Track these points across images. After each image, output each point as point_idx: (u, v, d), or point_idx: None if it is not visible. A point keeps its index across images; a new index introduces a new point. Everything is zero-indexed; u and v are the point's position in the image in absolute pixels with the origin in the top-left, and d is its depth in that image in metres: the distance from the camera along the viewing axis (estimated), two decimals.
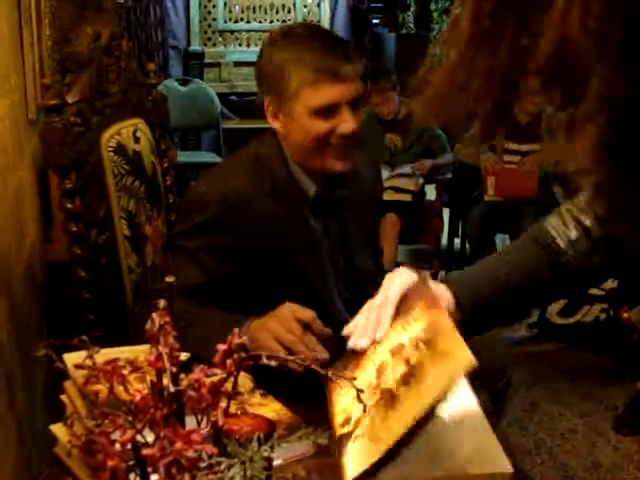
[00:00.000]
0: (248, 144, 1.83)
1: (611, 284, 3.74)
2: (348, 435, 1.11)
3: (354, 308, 1.62)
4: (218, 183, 1.71)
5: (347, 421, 1.14)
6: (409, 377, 1.11)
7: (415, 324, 1.20)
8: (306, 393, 1.48)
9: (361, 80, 1.68)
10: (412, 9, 6.72)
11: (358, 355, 1.27)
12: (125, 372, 0.90)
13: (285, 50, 1.65)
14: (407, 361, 1.14)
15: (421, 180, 4.52)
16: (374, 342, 1.27)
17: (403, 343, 1.19)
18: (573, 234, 1.27)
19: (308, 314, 1.49)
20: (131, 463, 0.88)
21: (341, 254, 1.78)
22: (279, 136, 1.72)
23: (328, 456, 1.26)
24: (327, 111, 1.62)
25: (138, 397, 0.88)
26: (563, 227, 1.29)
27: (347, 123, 1.63)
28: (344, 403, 1.18)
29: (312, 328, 1.48)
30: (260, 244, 1.67)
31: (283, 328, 1.47)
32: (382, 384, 1.15)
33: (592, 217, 1.25)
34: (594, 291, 3.77)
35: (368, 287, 1.75)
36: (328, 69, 1.61)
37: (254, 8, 6.59)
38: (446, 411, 1.10)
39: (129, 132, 2.04)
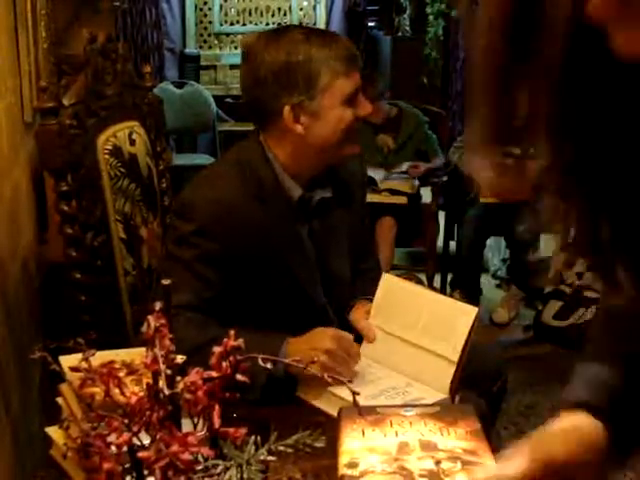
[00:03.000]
0: (230, 150, 1.82)
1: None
2: (353, 478, 1.12)
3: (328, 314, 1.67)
4: (204, 190, 1.69)
5: (353, 465, 1.14)
6: (434, 477, 1.11)
7: (453, 438, 1.19)
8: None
9: None
10: (408, 12, 6.73)
11: (378, 412, 1.26)
12: (121, 374, 0.90)
13: (304, 48, 1.63)
14: (438, 462, 1.14)
15: (417, 182, 4.52)
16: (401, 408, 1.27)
17: (435, 443, 1.18)
18: None
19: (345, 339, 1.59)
20: (127, 466, 0.88)
21: (321, 258, 1.77)
22: (294, 141, 1.67)
23: (324, 458, 1.26)
24: (353, 97, 1.67)
25: (134, 400, 0.88)
26: None
27: (367, 105, 1.70)
28: (351, 445, 1.18)
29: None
30: (250, 250, 1.65)
31: (330, 358, 1.54)
32: (403, 462, 1.14)
33: None
34: (589, 294, 3.77)
35: (342, 293, 1.76)
36: (352, 56, 1.67)
37: (250, 11, 6.60)
38: None
39: (125, 134, 2.04)
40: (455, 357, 1.53)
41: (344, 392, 1.36)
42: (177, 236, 1.69)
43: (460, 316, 1.55)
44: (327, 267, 1.76)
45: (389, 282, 1.69)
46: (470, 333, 1.54)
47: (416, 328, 1.60)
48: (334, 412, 1.37)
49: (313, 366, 1.49)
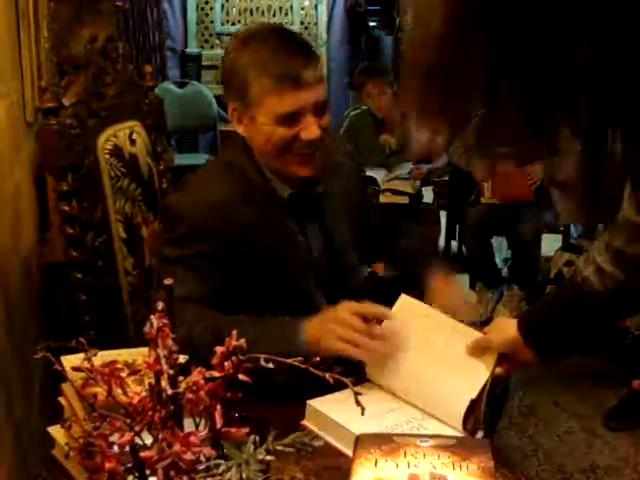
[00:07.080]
0: (220, 151, 1.83)
1: None
2: None
3: (336, 300, 1.63)
4: (193, 193, 1.69)
5: None
6: None
7: (465, 473, 1.19)
8: (303, 393, 1.48)
9: (322, 84, 1.65)
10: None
11: (394, 441, 1.26)
12: (123, 374, 0.90)
13: (245, 56, 1.61)
14: None
15: (418, 183, 4.52)
16: (414, 438, 1.26)
17: (445, 477, 1.17)
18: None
19: (365, 308, 1.52)
20: (129, 465, 0.88)
21: (323, 250, 1.77)
22: (247, 140, 1.69)
23: (325, 458, 1.26)
24: (291, 118, 1.59)
25: (136, 399, 0.88)
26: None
27: (311, 129, 1.61)
28: (363, 475, 1.18)
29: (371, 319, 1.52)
30: (241, 250, 1.65)
31: (344, 327, 1.48)
32: None
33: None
34: None
35: (351, 279, 1.76)
36: (289, 76, 1.58)
37: (251, 11, 6.60)
38: None
39: (125, 134, 2.04)
40: (474, 393, 1.45)
41: (352, 425, 1.34)
42: (169, 239, 1.68)
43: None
44: (334, 258, 1.77)
45: (406, 304, 1.58)
46: (493, 369, 1.47)
47: (433, 358, 1.51)
48: (339, 444, 1.36)
49: (329, 342, 1.47)
